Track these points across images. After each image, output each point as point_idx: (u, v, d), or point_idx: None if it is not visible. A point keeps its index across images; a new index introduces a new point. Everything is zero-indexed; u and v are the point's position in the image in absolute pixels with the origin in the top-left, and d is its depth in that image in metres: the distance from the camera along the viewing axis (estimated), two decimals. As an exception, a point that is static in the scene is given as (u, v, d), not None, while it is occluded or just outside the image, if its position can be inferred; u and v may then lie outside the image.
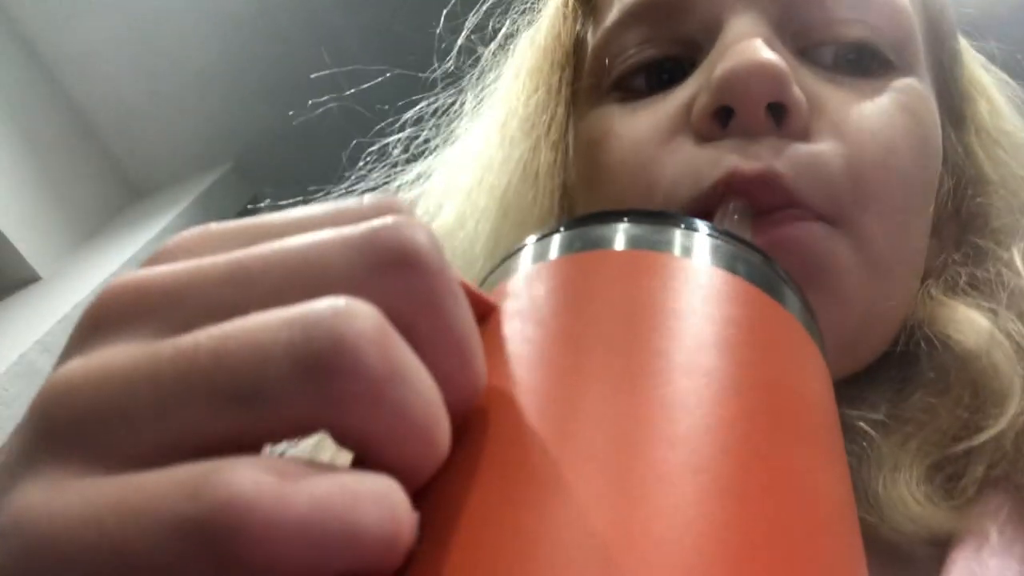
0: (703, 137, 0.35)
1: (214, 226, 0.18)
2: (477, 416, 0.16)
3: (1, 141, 1.68)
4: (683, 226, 0.19)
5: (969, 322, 0.35)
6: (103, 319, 0.16)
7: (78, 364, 0.15)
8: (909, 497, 0.32)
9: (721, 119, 0.34)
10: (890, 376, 0.37)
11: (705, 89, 0.35)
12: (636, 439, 0.14)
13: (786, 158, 0.33)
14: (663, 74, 0.38)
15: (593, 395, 0.15)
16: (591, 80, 0.41)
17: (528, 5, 0.50)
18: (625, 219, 0.19)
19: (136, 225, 1.78)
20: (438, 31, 0.54)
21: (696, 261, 0.18)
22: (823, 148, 0.34)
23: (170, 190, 1.87)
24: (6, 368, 1.40)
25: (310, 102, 0.72)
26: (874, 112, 0.35)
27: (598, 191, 0.39)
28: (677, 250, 0.18)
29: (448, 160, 0.49)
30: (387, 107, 0.56)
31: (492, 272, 0.20)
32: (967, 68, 0.43)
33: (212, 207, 1.85)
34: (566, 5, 0.45)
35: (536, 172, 0.42)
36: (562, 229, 0.20)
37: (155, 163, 1.91)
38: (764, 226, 0.32)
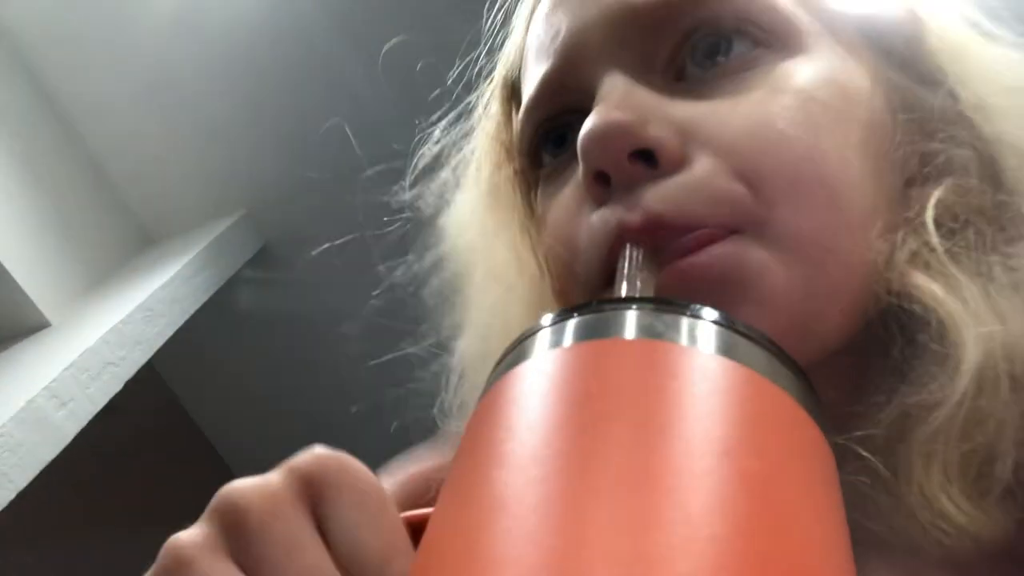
0: (597, 202, 0.36)
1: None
2: (471, 495, 0.17)
3: (15, 187, 1.70)
4: (689, 314, 0.19)
5: (932, 293, 0.33)
6: (230, 517, 0.26)
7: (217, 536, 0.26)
8: (948, 504, 0.30)
9: (603, 181, 0.35)
10: (878, 373, 0.35)
11: (581, 160, 0.36)
12: (646, 549, 0.15)
13: (664, 196, 0.33)
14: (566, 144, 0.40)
15: (603, 487, 0.16)
16: (524, 169, 0.44)
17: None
18: (634, 306, 0.20)
19: (147, 272, 1.80)
20: (457, 88, 0.56)
21: (702, 350, 0.19)
22: (700, 170, 0.34)
23: (182, 237, 1.89)
24: (13, 414, 1.40)
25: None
26: (749, 111, 0.35)
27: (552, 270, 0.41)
28: (684, 339, 0.19)
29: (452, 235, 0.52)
30: (399, 156, 0.58)
31: (508, 354, 0.21)
32: (933, 27, 0.40)
33: (223, 254, 1.87)
34: (500, 110, 0.48)
35: (518, 252, 0.45)
36: (575, 314, 0.20)
37: (167, 210, 1.93)
38: (668, 262, 0.33)
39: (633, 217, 0.33)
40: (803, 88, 0.35)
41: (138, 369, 1.66)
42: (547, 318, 0.21)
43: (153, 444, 2.50)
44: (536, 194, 0.43)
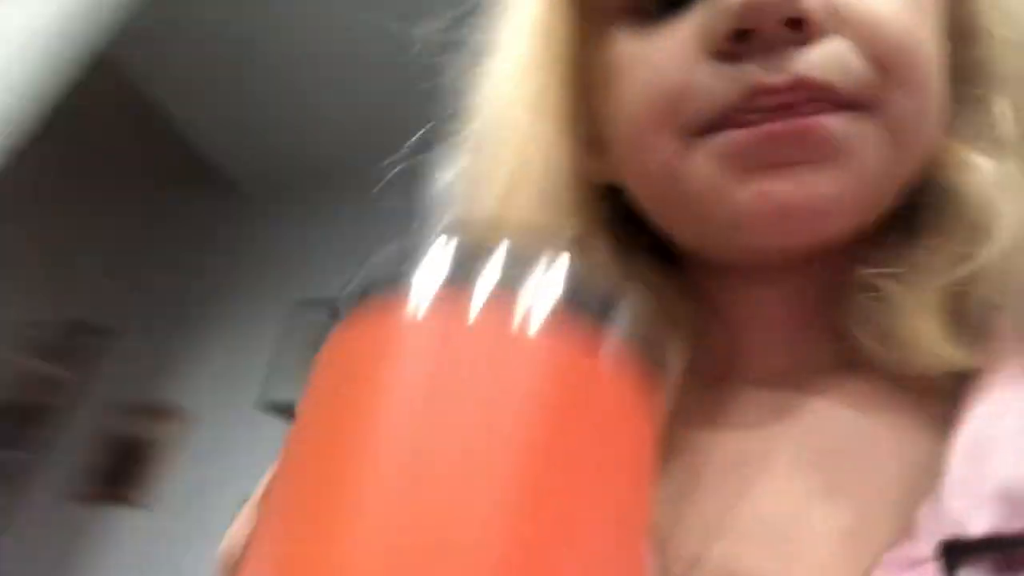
0: (723, 57, 0.37)
1: None
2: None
3: None
4: (528, 265, 0.21)
5: (969, 165, 0.39)
6: None
7: None
8: (927, 335, 0.37)
9: (739, 38, 0.36)
10: (898, 227, 0.40)
11: (721, 14, 0.36)
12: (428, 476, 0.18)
13: (808, 63, 0.36)
14: None
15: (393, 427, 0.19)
16: (598, 3, 0.43)
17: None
18: (490, 254, 0.22)
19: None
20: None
21: (537, 304, 0.21)
22: (841, 45, 0.36)
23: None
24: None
25: None
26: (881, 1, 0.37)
27: (623, 116, 0.41)
28: (519, 291, 0.21)
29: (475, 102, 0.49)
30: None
31: (369, 275, 0.23)
32: None
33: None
34: None
35: (551, 101, 0.44)
36: (432, 251, 0.22)
37: None
38: (785, 117, 0.36)
39: (774, 78, 0.35)
40: None
41: (96, 51, 1.60)
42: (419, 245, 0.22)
43: (113, 130, 2.47)
44: (602, 34, 0.42)
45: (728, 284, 0.44)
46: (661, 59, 0.39)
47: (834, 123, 0.36)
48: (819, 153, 0.36)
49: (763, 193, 0.36)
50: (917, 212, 0.40)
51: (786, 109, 0.36)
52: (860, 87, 0.36)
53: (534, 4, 0.46)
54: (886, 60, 0.37)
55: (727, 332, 0.45)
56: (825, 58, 0.36)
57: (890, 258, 0.39)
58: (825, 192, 0.36)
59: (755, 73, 0.36)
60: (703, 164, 0.37)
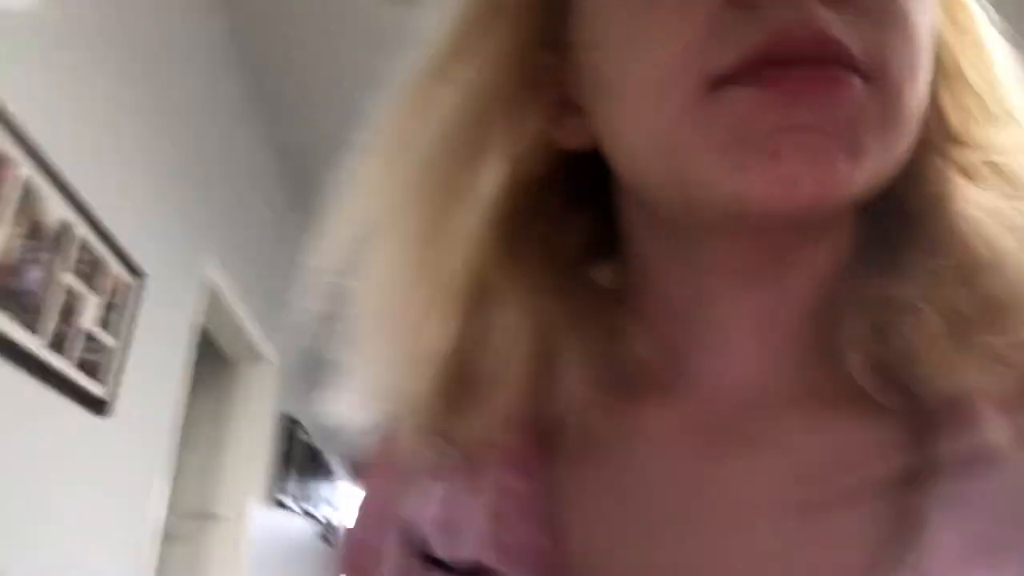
0: (744, 4, 0.36)
1: None
2: None
3: None
4: None
5: (970, 199, 0.40)
6: None
7: None
8: (939, 355, 0.37)
9: None
10: (882, 242, 0.41)
11: None
12: None
13: (826, 21, 0.35)
14: None
15: None
16: None
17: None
18: None
19: None
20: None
21: None
22: (856, 11, 0.36)
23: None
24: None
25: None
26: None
27: (633, 68, 0.39)
28: None
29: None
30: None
31: None
32: None
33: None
34: None
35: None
36: None
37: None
38: (812, 83, 0.35)
39: (800, 29, 0.35)
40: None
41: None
42: None
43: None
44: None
45: (702, 283, 0.42)
46: (682, 7, 0.37)
47: (854, 94, 0.35)
48: (840, 118, 0.35)
49: (778, 173, 0.35)
50: (885, 224, 0.41)
51: (807, 64, 0.35)
52: (870, 56, 0.36)
53: None
54: (894, 33, 0.37)
55: (674, 337, 0.43)
56: (843, 21, 0.35)
57: (880, 276, 0.39)
58: (840, 171, 0.35)
59: (779, 19, 0.35)
60: (725, 114, 0.36)
